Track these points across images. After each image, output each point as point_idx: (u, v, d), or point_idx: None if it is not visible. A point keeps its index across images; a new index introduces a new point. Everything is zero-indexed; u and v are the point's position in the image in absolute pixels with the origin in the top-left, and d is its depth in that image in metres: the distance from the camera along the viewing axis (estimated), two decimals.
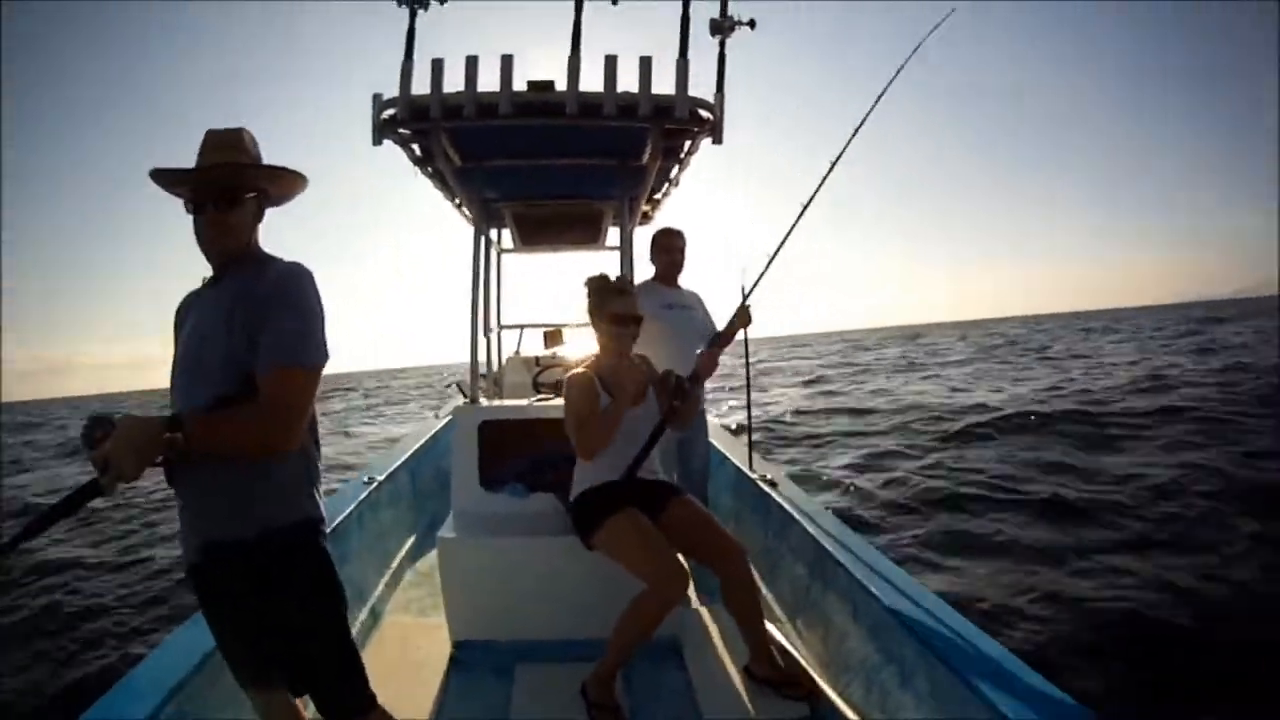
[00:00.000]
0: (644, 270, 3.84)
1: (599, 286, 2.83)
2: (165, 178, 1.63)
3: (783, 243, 3.10)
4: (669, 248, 3.75)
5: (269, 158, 1.71)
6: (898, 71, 3.04)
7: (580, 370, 2.78)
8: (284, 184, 1.73)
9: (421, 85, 2.80)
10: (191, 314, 1.66)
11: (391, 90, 2.82)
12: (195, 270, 1.70)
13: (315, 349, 1.54)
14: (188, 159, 1.63)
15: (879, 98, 3.03)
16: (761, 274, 3.17)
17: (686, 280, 3.87)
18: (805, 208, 3.08)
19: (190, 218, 1.65)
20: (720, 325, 3.82)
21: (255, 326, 1.51)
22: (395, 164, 3.40)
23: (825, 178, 3.05)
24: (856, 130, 3.03)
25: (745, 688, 2.62)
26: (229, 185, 1.62)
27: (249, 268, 1.61)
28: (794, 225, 3.09)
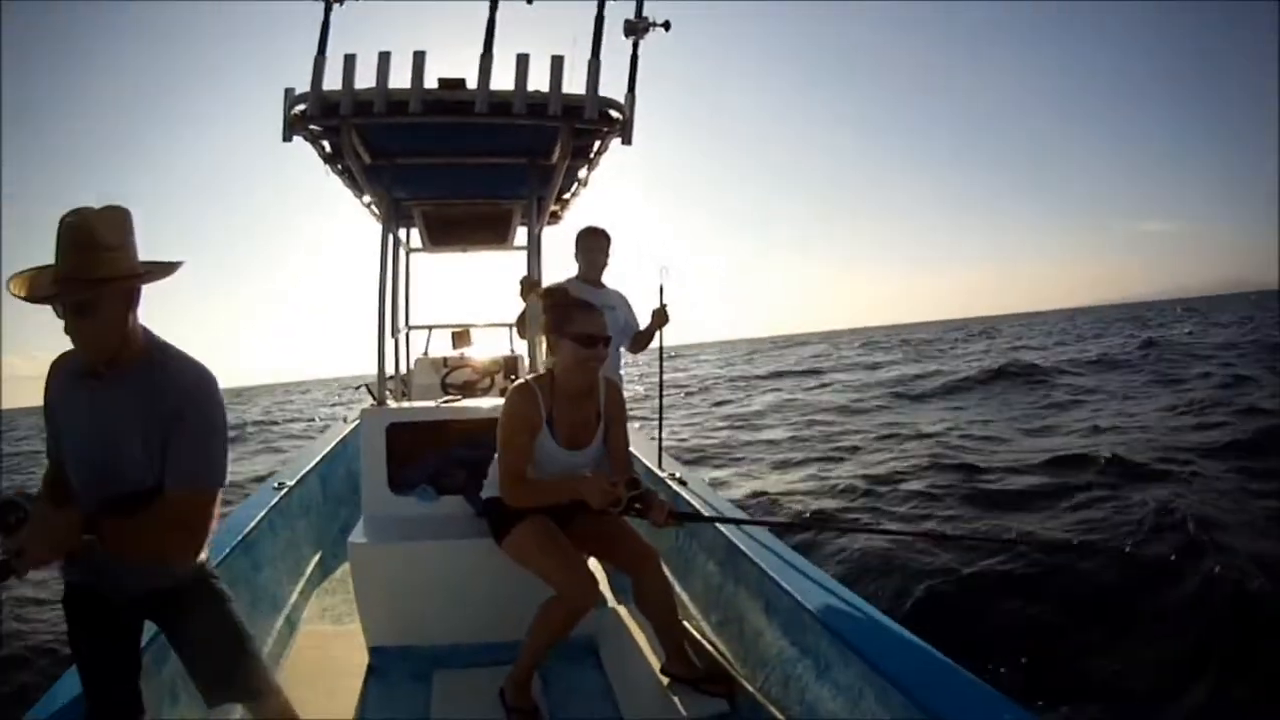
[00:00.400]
0: (556, 270, 3.88)
1: (560, 301, 2.51)
2: (25, 296, 1.56)
3: None
4: (593, 248, 3.77)
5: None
6: None
7: (524, 384, 2.54)
8: (156, 273, 1.67)
9: (334, 81, 2.77)
10: (79, 404, 1.68)
11: (303, 86, 2.78)
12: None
13: (220, 471, 1.68)
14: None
15: None
16: None
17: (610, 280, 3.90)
18: None
19: None
20: (643, 326, 3.91)
21: (166, 435, 1.61)
22: (305, 172, 3.33)
23: None
24: None
25: (663, 686, 2.61)
26: (81, 298, 1.57)
27: (141, 362, 1.65)
28: None
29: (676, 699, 2.53)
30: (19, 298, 1.55)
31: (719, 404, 19.69)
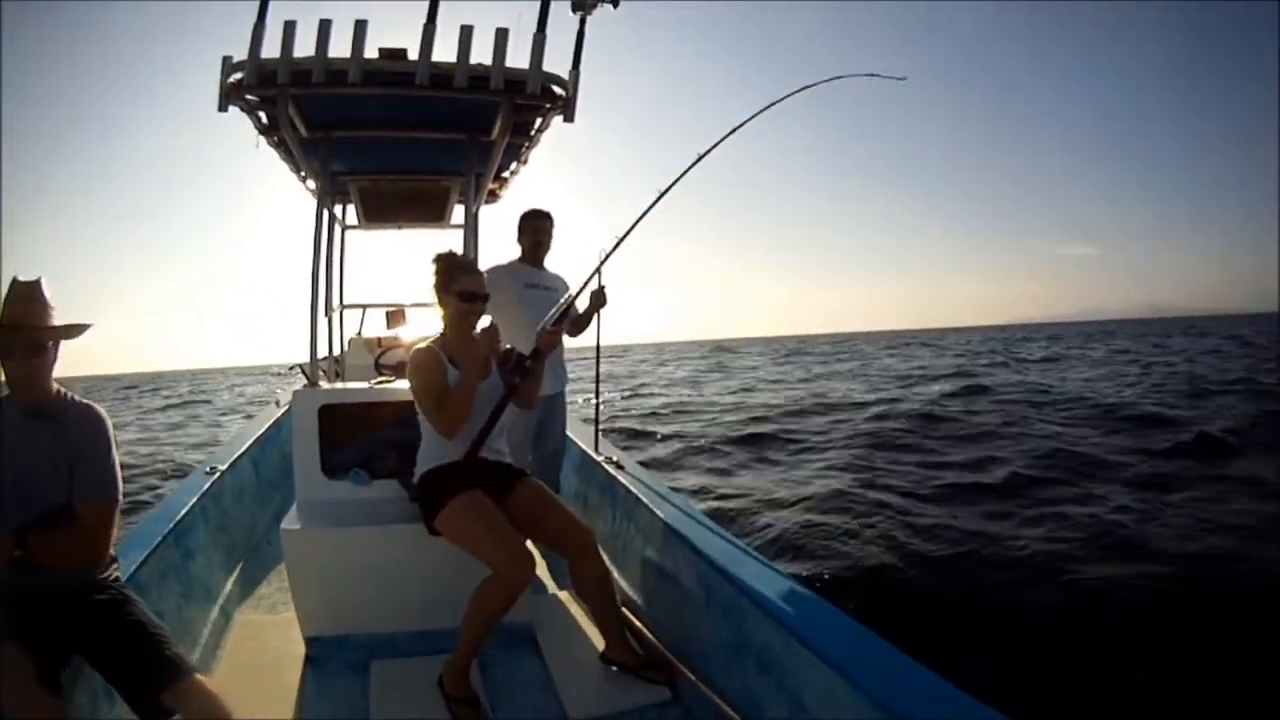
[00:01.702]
0: (493, 250, 3.84)
1: (446, 263, 2.75)
2: None
3: (632, 226, 3.00)
4: (536, 229, 3.74)
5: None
6: (747, 120, 3.03)
7: (423, 346, 2.72)
8: (74, 332, 2.07)
9: (272, 50, 2.68)
10: (4, 439, 1.99)
11: (241, 54, 2.68)
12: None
13: (115, 488, 2.06)
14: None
15: (730, 132, 2.98)
16: (604, 257, 3.07)
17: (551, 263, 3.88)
18: (658, 198, 2.97)
19: None
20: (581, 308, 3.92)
21: (71, 462, 2.00)
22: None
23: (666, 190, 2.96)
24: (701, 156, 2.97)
25: (603, 673, 2.61)
26: (34, 342, 1.98)
27: (51, 404, 2.04)
28: (645, 213, 2.98)
29: (617, 687, 2.54)
30: None
31: None
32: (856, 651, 1.79)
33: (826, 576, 4.77)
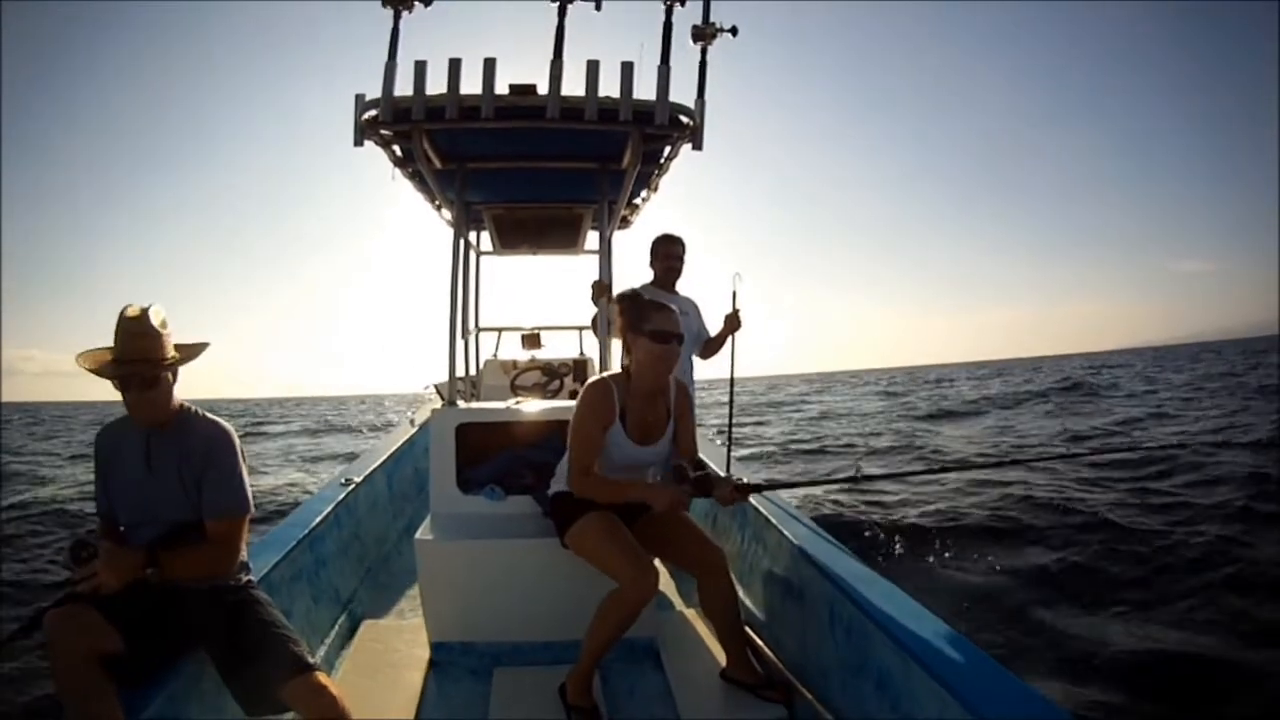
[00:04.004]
0: (626, 275, 3.87)
1: (635, 301, 2.64)
2: (92, 370, 2.01)
3: None
4: (669, 254, 3.77)
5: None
6: None
7: (604, 378, 2.65)
8: (190, 354, 2.13)
9: (404, 87, 2.79)
10: (127, 457, 2.09)
11: (374, 91, 2.81)
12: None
13: (243, 501, 2.11)
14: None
15: None
16: None
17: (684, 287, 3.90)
18: None
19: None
20: (713, 332, 3.89)
21: (198, 479, 2.06)
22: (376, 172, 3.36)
23: None
24: None
25: (722, 690, 2.63)
26: (148, 376, 2.01)
27: (176, 424, 2.10)
28: None
29: (735, 703, 2.55)
30: (89, 371, 1.97)
31: None
32: (974, 677, 1.80)
33: None
